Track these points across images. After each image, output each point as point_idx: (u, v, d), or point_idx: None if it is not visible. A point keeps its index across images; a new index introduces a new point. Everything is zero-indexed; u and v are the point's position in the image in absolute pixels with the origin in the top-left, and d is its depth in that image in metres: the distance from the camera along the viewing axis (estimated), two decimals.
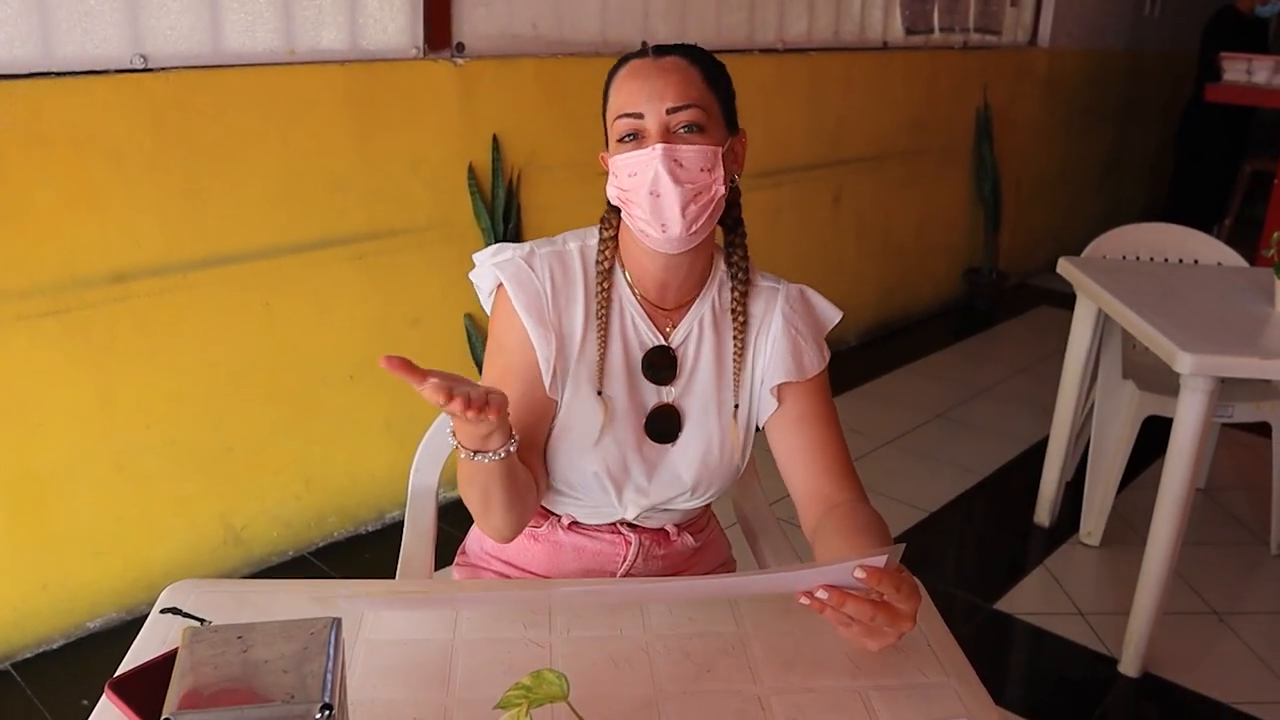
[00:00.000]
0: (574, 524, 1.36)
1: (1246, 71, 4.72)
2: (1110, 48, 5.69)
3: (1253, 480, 3.25)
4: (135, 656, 1.02)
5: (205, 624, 1.06)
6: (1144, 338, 2.25)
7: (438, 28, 2.66)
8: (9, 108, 2.01)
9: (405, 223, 2.68)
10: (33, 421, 2.16)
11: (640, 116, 1.17)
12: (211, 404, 2.43)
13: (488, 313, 1.30)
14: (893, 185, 4.45)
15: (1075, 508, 2.94)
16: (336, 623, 0.78)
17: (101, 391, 2.24)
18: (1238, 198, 5.42)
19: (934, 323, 4.87)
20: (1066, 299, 3.01)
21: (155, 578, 2.40)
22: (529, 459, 1.24)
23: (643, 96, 1.17)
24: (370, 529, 2.82)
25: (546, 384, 1.24)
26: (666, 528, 1.37)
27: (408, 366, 1.00)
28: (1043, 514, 2.97)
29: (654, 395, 1.29)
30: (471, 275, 1.27)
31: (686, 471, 1.30)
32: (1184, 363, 2.06)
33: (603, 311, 1.26)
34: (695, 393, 1.29)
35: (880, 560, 0.96)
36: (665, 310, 1.29)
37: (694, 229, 1.18)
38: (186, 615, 1.06)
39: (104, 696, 0.92)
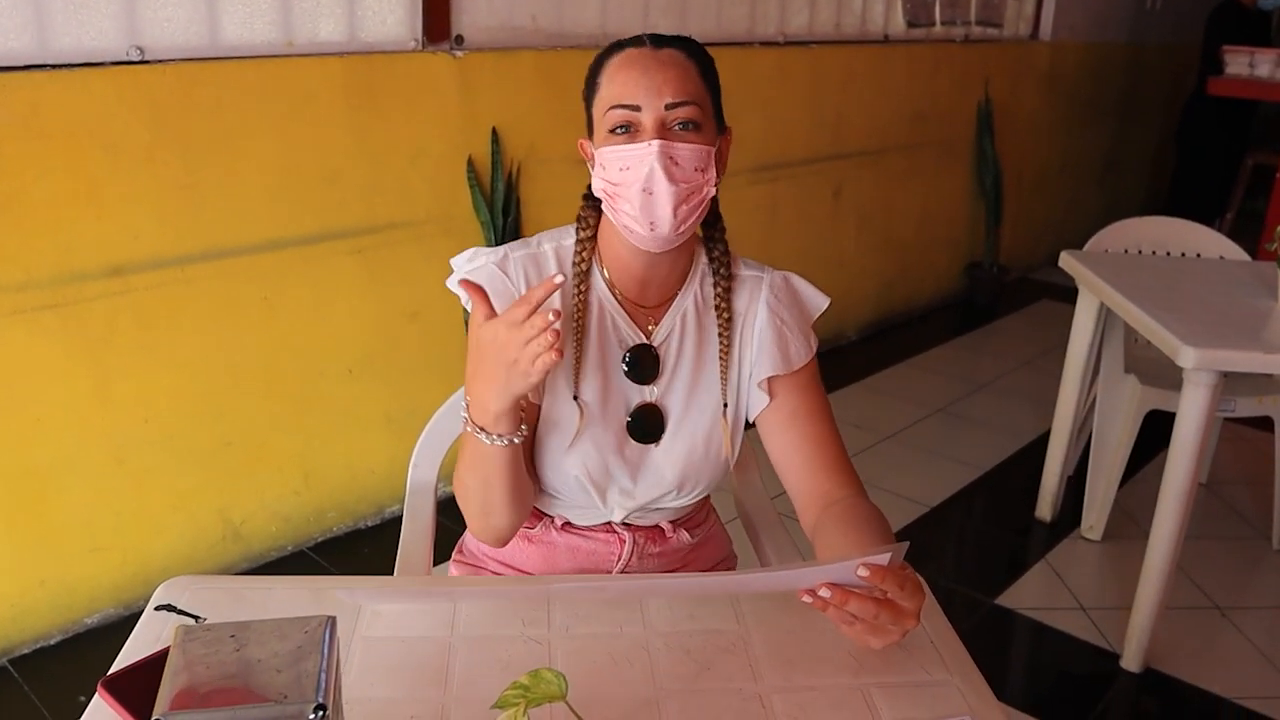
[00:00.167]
0: (567, 524, 1.34)
1: (1249, 64, 4.71)
2: (1112, 41, 5.67)
3: (1254, 475, 3.24)
4: (129, 654, 1.01)
5: (200, 621, 1.05)
6: (1147, 332, 2.24)
7: (437, 19, 2.64)
8: (4, 100, 1.99)
9: (404, 216, 2.67)
10: (30, 416, 2.15)
11: (637, 109, 1.14)
12: (210, 398, 2.42)
13: None
14: (894, 179, 4.44)
15: (1077, 502, 2.94)
16: (331, 621, 0.77)
17: (99, 386, 2.23)
18: (1239, 192, 5.40)
19: (935, 317, 4.85)
20: (1068, 293, 3.00)
21: (154, 573, 2.40)
22: (526, 462, 1.23)
23: (640, 89, 1.14)
24: (369, 524, 2.81)
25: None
26: (661, 525, 1.36)
27: (481, 292, 1.04)
28: (1044, 509, 2.96)
29: (637, 395, 1.26)
30: (448, 283, 1.26)
31: (671, 471, 1.27)
32: (1187, 357, 2.05)
33: (579, 314, 1.23)
34: (679, 390, 1.27)
35: (883, 558, 0.95)
36: (646, 308, 1.27)
37: (681, 229, 1.16)
38: (181, 612, 1.05)
39: (96, 695, 0.91)
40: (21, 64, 2.02)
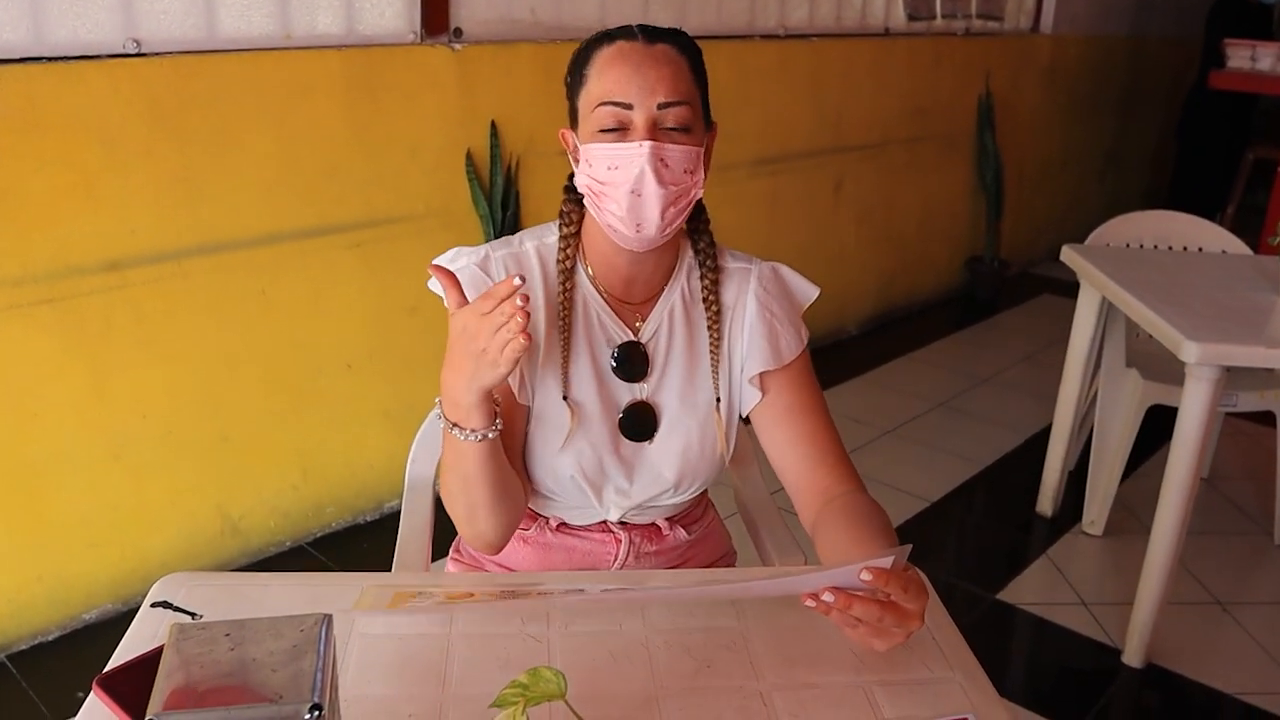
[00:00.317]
0: (562, 525, 1.33)
1: (1250, 58, 4.69)
2: (1113, 34, 5.65)
3: (1256, 470, 3.23)
4: (125, 651, 1.00)
5: (196, 618, 1.04)
6: (1149, 326, 2.23)
7: (435, 12, 2.63)
8: (0, 93, 1.98)
9: (403, 210, 2.66)
10: (27, 411, 2.14)
11: (629, 108, 1.11)
12: (208, 393, 2.41)
13: None
14: (894, 173, 4.42)
15: (1078, 497, 2.93)
16: (327, 619, 0.76)
17: (96, 381, 2.22)
18: (1240, 186, 5.39)
19: (935, 311, 4.84)
20: (1068, 287, 2.99)
21: (152, 568, 2.39)
22: (514, 465, 1.21)
23: (634, 87, 1.11)
24: (368, 519, 2.80)
25: (515, 390, 1.20)
26: (657, 522, 1.34)
27: (453, 279, 1.03)
28: (1045, 503, 2.95)
29: (627, 393, 1.25)
30: (431, 285, 1.24)
31: (668, 469, 1.26)
32: (1190, 352, 2.05)
33: (565, 313, 1.21)
34: (670, 387, 1.26)
35: (886, 561, 0.93)
36: (632, 304, 1.25)
37: (667, 230, 1.15)
38: (177, 609, 1.04)
39: (91, 693, 0.90)
40: (17, 56, 2.01)
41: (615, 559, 1.33)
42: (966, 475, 3.19)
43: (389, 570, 1.41)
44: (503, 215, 2.82)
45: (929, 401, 3.75)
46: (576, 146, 1.18)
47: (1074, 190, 5.82)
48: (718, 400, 1.26)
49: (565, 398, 1.22)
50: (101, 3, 2.09)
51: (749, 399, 1.27)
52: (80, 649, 2.26)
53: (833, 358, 4.13)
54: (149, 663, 0.90)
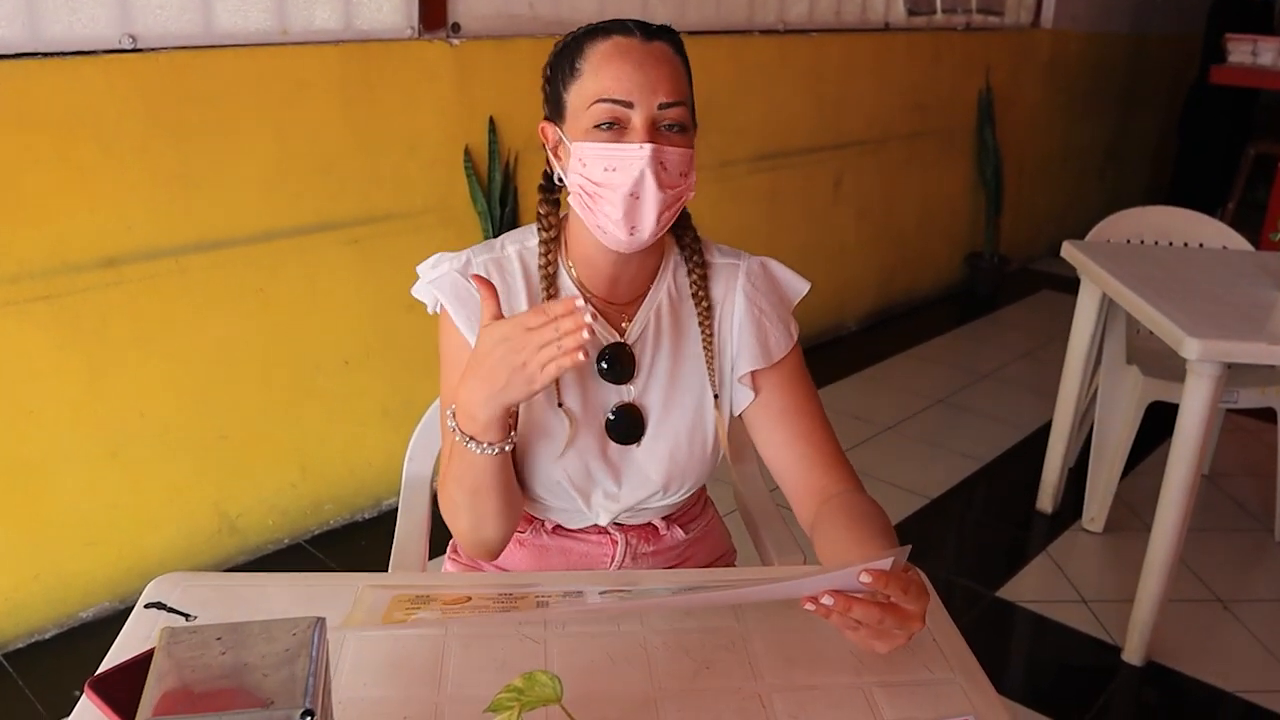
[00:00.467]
0: (558, 528, 1.32)
1: (1252, 53, 4.68)
2: (1114, 30, 5.63)
3: (1257, 466, 3.23)
4: (119, 653, 0.99)
5: (190, 619, 1.04)
6: (1150, 323, 2.22)
7: (433, 7, 2.61)
8: None
9: (401, 206, 2.65)
10: (23, 409, 2.14)
11: (629, 106, 1.08)
12: (205, 390, 2.40)
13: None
14: (894, 168, 4.41)
15: (1078, 494, 2.92)
16: (320, 622, 0.75)
17: (93, 378, 2.22)
18: (1241, 181, 5.38)
19: (935, 307, 4.83)
20: (1068, 284, 2.98)
21: (149, 566, 2.38)
22: (511, 469, 1.20)
23: (635, 85, 1.08)
24: (367, 516, 2.80)
25: None
26: (654, 522, 1.33)
27: (492, 289, 1.01)
28: (1045, 500, 2.94)
29: (614, 395, 1.23)
30: (413, 291, 1.22)
31: (655, 471, 1.24)
32: (1191, 348, 2.04)
33: None
34: (658, 388, 1.23)
35: (886, 563, 0.92)
36: (618, 305, 1.23)
37: (659, 233, 1.13)
38: (171, 610, 1.03)
39: (83, 696, 0.89)
40: (12, 52, 2.00)
41: (612, 560, 1.31)
42: (966, 472, 3.19)
43: (387, 568, 1.41)
44: (501, 211, 2.81)
45: (928, 398, 3.74)
46: (560, 142, 1.16)
47: (1074, 186, 5.81)
48: (715, 397, 1.24)
49: (561, 405, 1.20)
50: None
51: (741, 399, 1.25)
52: (77, 647, 2.25)
53: (832, 354, 4.12)
54: (141, 665, 0.89)
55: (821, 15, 3.85)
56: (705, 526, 1.42)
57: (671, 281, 1.25)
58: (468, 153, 2.74)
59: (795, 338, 1.26)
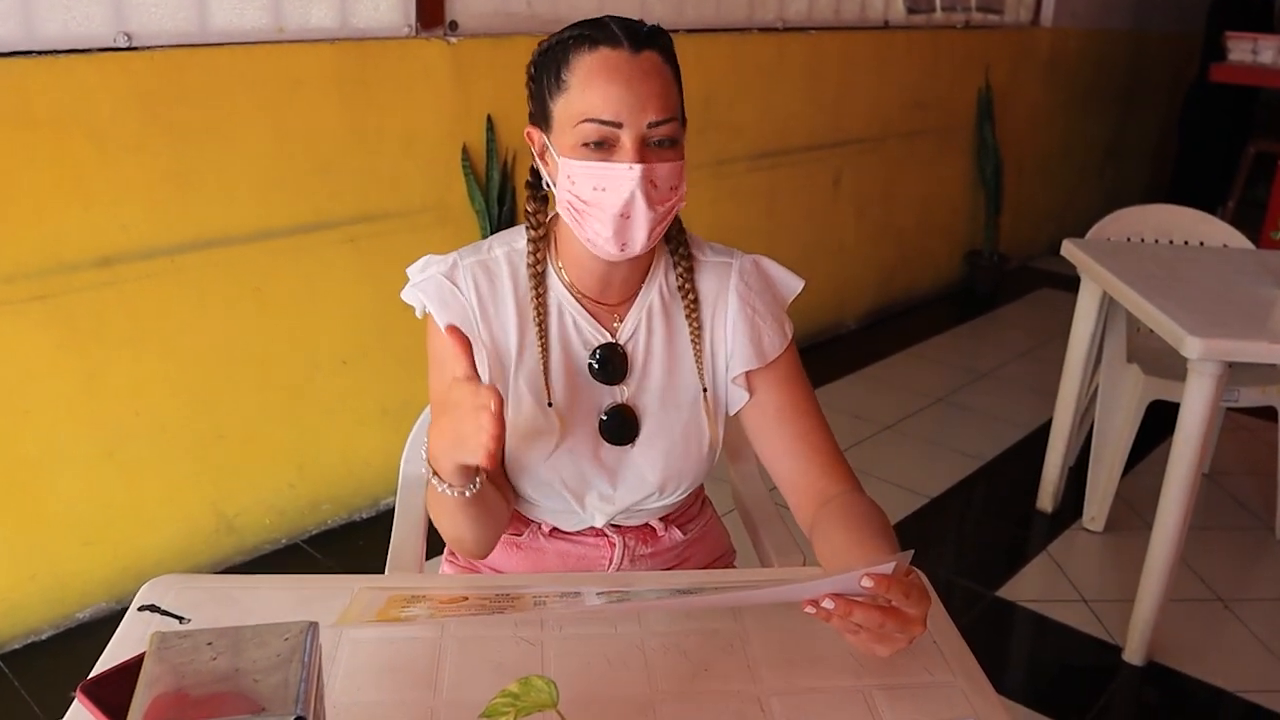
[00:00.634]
0: (555, 530, 1.31)
1: (1252, 51, 4.66)
2: (1114, 28, 5.62)
3: (1257, 465, 3.22)
4: (112, 656, 0.99)
5: (184, 622, 1.03)
6: (1150, 321, 2.21)
7: (430, 5, 2.60)
8: None
9: (398, 205, 2.64)
10: (19, 409, 2.13)
11: (619, 126, 1.06)
12: (202, 390, 2.39)
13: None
14: (893, 167, 4.40)
15: (1078, 493, 2.91)
16: (313, 627, 0.74)
17: (89, 378, 2.21)
18: (1241, 179, 5.36)
19: (934, 306, 4.82)
20: (1068, 282, 2.97)
21: (146, 566, 2.37)
22: (495, 476, 1.19)
23: (624, 106, 1.05)
24: (365, 516, 2.79)
25: None
26: (651, 523, 1.32)
27: (466, 345, 0.99)
28: (1045, 499, 2.94)
29: (607, 396, 1.21)
30: (402, 295, 1.20)
31: (651, 472, 1.23)
32: (1192, 347, 2.03)
33: (539, 318, 1.18)
34: (651, 388, 1.22)
35: (888, 567, 0.91)
36: (609, 305, 1.21)
37: (650, 245, 1.12)
38: (165, 613, 1.02)
39: (75, 700, 0.88)
40: (6, 50, 1.98)
41: (610, 562, 1.30)
42: (966, 471, 3.18)
43: (384, 569, 1.40)
44: (499, 210, 2.80)
45: (928, 397, 3.73)
46: (546, 147, 1.13)
47: (1074, 184, 5.80)
48: (704, 390, 1.23)
49: (550, 405, 1.19)
50: None
51: (736, 399, 1.24)
52: (74, 648, 2.24)
53: (831, 352, 4.11)
54: (133, 669, 0.89)
55: (821, 13, 3.84)
56: (704, 527, 1.41)
57: (664, 280, 1.23)
58: (465, 151, 2.73)
59: (790, 337, 1.25)
